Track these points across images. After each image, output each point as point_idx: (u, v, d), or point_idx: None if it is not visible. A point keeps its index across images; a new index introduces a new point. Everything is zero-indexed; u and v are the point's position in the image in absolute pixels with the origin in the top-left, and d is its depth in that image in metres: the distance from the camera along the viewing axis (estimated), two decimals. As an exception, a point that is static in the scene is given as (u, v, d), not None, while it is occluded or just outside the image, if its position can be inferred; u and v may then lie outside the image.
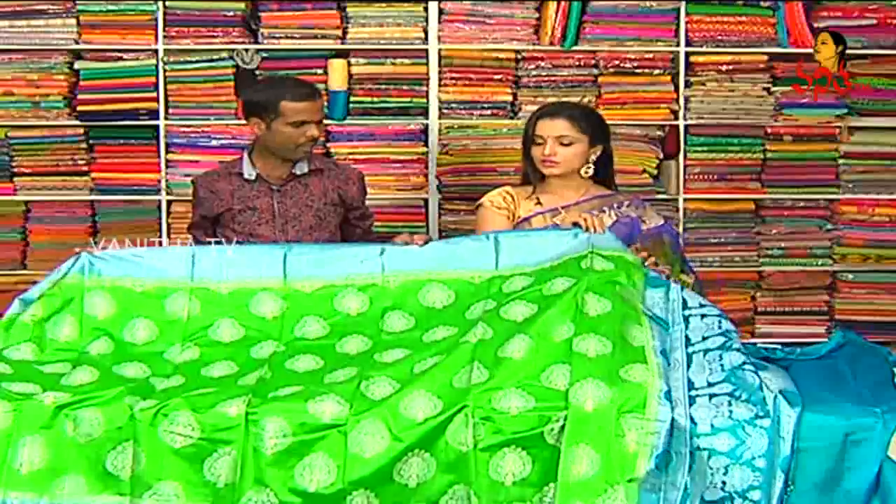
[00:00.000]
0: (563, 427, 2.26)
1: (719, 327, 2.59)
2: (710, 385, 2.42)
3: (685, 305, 2.65)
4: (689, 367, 2.47)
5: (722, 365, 2.46)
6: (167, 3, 4.25)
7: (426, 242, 2.86)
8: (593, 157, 3.13)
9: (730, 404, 2.34)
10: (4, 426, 2.33)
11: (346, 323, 2.69)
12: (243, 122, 3.49)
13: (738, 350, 2.50)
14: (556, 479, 2.24)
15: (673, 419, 2.26)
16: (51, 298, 2.69)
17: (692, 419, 2.30)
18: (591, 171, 3.14)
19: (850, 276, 4.45)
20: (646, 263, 2.80)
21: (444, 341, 2.57)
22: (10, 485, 2.29)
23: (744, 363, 2.44)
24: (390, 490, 2.28)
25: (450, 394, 2.35)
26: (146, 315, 2.69)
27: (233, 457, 2.29)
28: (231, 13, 4.26)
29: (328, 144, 4.33)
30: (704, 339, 2.56)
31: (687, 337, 2.56)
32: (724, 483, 2.27)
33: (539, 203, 3.15)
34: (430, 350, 2.54)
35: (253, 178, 3.31)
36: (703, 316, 2.63)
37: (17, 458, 2.30)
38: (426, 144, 4.34)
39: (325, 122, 4.29)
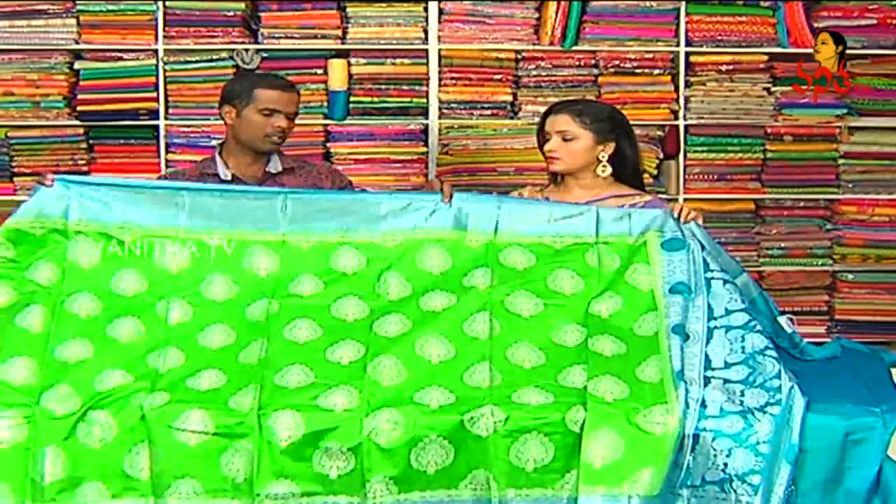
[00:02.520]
0: (585, 415, 2.30)
1: (742, 302, 2.58)
2: (727, 366, 2.44)
3: (707, 267, 2.64)
4: (708, 342, 2.49)
5: (743, 347, 2.47)
6: (167, 3, 4.25)
7: (451, 197, 2.75)
8: (604, 155, 3.03)
9: (742, 394, 2.36)
10: (20, 439, 2.31)
11: (341, 282, 2.63)
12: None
13: (761, 332, 2.50)
14: (577, 465, 2.27)
15: (688, 400, 2.30)
16: (31, 240, 2.58)
17: (703, 401, 2.32)
18: (608, 171, 3.04)
19: (850, 276, 4.45)
20: (682, 218, 2.76)
21: (443, 313, 2.56)
22: (36, 498, 2.29)
23: (766, 348, 2.45)
24: (409, 476, 2.28)
25: (463, 388, 2.38)
26: (133, 266, 2.58)
27: (248, 450, 2.29)
28: (231, 13, 4.26)
29: (328, 144, 4.34)
30: (728, 312, 2.55)
31: (709, 306, 2.56)
32: (725, 465, 2.28)
33: None
34: (429, 322, 2.53)
35: (229, 178, 3.26)
36: (724, 281, 2.62)
37: (41, 470, 2.29)
38: (426, 144, 4.34)
39: (325, 122, 4.31)
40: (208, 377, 2.42)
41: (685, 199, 4.38)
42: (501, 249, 2.68)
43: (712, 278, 2.62)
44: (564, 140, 3.01)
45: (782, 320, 2.76)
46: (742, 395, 2.36)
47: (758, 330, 2.50)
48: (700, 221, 2.80)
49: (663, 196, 4.35)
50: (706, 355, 2.45)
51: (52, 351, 2.44)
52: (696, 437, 2.28)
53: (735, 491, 2.28)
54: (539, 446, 2.29)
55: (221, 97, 3.30)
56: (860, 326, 4.36)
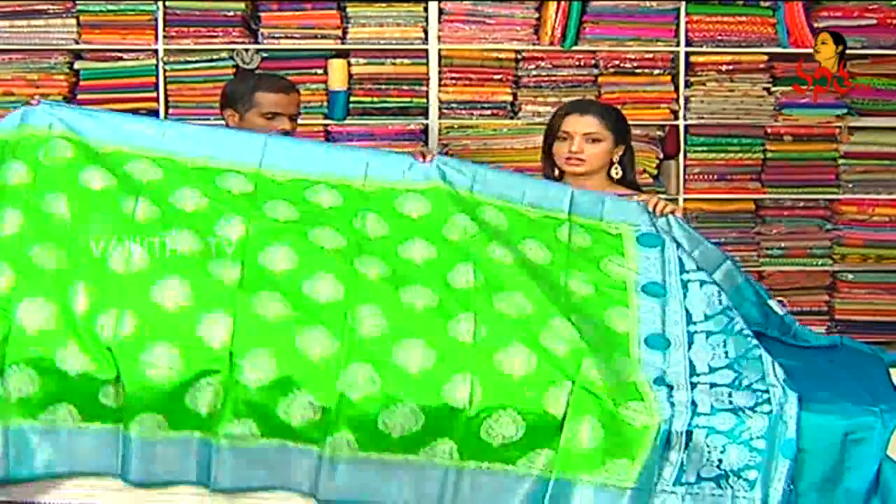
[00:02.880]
0: (568, 394, 2.27)
1: (720, 303, 2.58)
2: (711, 371, 2.44)
3: (682, 268, 2.64)
4: (690, 346, 2.49)
5: (726, 352, 2.48)
6: (167, 3, 4.25)
7: (433, 159, 2.73)
8: (617, 158, 3.03)
9: (731, 395, 2.36)
10: None
11: (317, 213, 2.57)
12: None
13: (741, 332, 2.51)
14: (546, 446, 2.26)
15: (672, 401, 2.30)
16: (7, 144, 2.54)
17: (693, 401, 2.32)
18: (621, 173, 3.04)
19: (850, 276, 4.45)
20: (657, 212, 2.75)
21: (424, 265, 2.49)
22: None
23: (748, 349, 2.46)
24: (372, 436, 2.26)
25: (446, 344, 2.32)
26: (104, 166, 2.51)
27: (214, 388, 2.25)
28: (231, 13, 4.26)
29: (328, 144, 4.34)
30: (707, 318, 2.55)
31: (687, 311, 2.56)
32: (720, 461, 2.28)
33: None
34: (411, 271, 2.46)
35: None
36: (701, 283, 2.61)
37: (6, 386, 2.26)
38: (426, 144, 4.34)
39: (325, 122, 4.32)
40: (173, 289, 2.32)
41: (685, 199, 4.39)
42: (478, 206, 2.64)
43: (689, 280, 2.61)
44: (590, 141, 2.99)
45: (773, 304, 2.76)
46: (730, 396, 2.36)
47: (738, 332, 2.51)
48: (679, 215, 2.79)
49: (663, 196, 4.35)
50: (690, 361, 2.46)
51: (25, 253, 2.36)
52: (688, 434, 2.28)
53: (732, 487, 2.27)
54: (510, 423, 2.27)
55: (222, 100, 3.30)
56: (860, 326, 4.36)
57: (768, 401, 2.32)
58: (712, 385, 2.39)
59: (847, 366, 2.64)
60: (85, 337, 2.28)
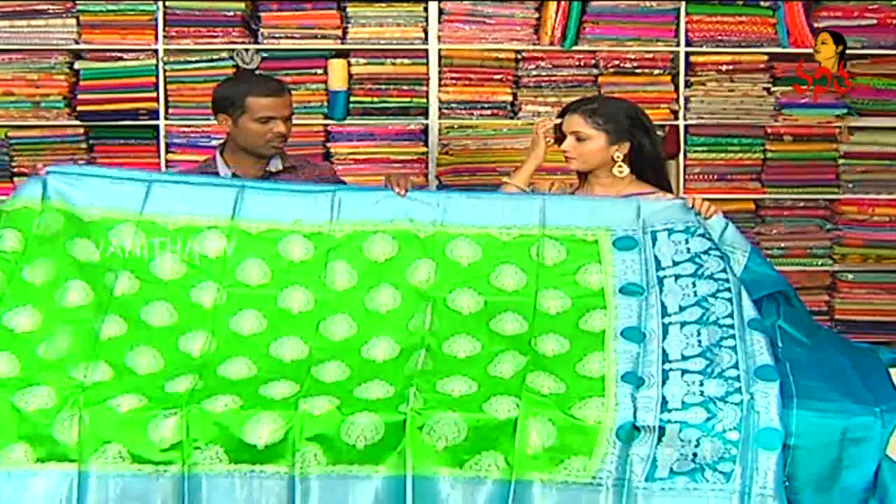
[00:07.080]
0: (515, 404, 2.33)
1: (694, 294, 2.62)
2: (684, 359, 2.47)
3: (659, 265, 2.70)
4: (664, 337, 2.53)
5: (699, 340, 2.51)
6: (167, 3, 4.25)
7: (407, 191, 2.84)
8: (619, 155, 3.01)
9: (701, 384, 2.38)
10: None
11: (288, 270, 2.71)
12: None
13: (716, 323, 2.54)
14: (493, 449, 2.31)
15: (635, 398, 2.33)
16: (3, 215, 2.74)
17: (663, 397, 2.34)
18: (625, 171, 3.02)
19: (850, 276, 4.45)
20: (703, 213, 2.82)
21: (388, 316, 2.61)
22: None
23: (721, 339, 2.48)
24: (338, 449, 2.32)
25: (401, 380, 2.43)
26: (90, 238, 2.71)
27: (178, 418, 2.32)
28: (231, 13, 4.26)
29: (328, 144, 4.34)
30: (682, 309, 2.59)
31: (663, 304, 2.61)
32: (694, 455, 2.29)
33: None
34: (375, 325, 2.59)
35: (229, 176, 3.28)
36: (676, 277, 2.67)
37: None
38: (426, 144, 4.35)
39: (325, 122, 4.32)
40: (147, 357, 2.49)
41: (685, 199, 4.39)
42: (448, 241, 2.75)
43: (665, 276, 2.68)
44: (578, 140, 3.01)
45: None
46: (701, 384, 2.39)
47: (713, 322, 2.55)
48: (720, 215, 2.85)
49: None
50: (663, 350, 2.50)
51: (1, 317, 2.52)
52: (661, 429, 2.29)
53: (707, 480, 2.28)
54: (452, 425, 2.31)
55: (214, 105, 3.28)
56: (860, 326, 4.36)
57: (739, 390, 2.33)
58: (684, 372, 2.42)
59: (847, 365, 2.64)
60: (54, 384, 2.39)
